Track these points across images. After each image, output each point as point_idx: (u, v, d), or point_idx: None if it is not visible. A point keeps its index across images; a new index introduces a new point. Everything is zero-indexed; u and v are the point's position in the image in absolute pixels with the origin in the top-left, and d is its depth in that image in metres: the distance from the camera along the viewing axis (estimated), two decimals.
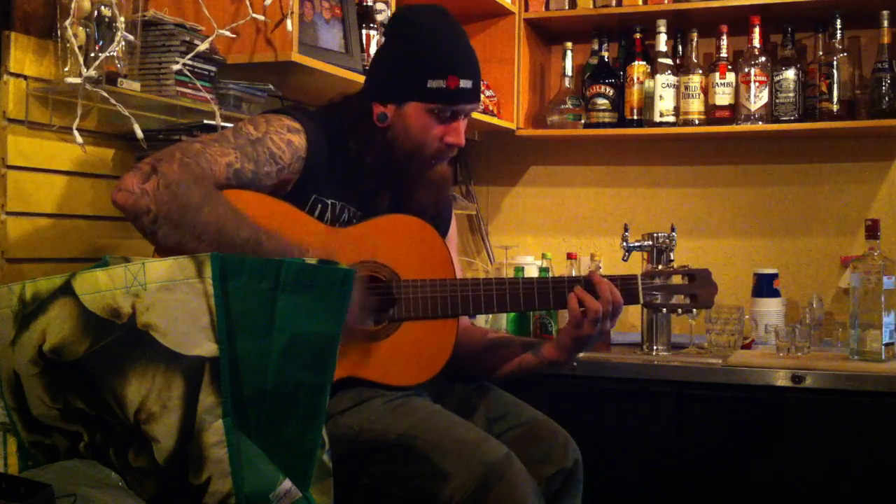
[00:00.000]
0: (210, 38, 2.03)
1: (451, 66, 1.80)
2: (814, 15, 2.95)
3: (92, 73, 1.82)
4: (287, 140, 1.71)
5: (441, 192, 1.91)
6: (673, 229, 2.70)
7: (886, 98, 2.81)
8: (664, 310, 1.99)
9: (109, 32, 1.87)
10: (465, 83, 1.80)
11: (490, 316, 2.86)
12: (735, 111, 3.00)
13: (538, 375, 2.53)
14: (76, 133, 1.85)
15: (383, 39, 1.94)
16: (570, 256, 2.98)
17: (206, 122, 2.02)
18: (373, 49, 2.45)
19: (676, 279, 1.99)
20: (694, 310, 2.03)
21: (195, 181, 1.53)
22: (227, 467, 1.22)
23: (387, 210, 1.86)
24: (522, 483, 1.64)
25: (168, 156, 1.55)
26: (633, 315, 3.18)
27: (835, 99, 2.86)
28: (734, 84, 3.00)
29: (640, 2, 3.07)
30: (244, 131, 1.69)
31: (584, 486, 1.92)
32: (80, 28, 1.83)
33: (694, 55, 3.04)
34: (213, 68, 2.07)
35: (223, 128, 1.96)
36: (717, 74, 2.99)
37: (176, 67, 1.96)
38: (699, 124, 3.02)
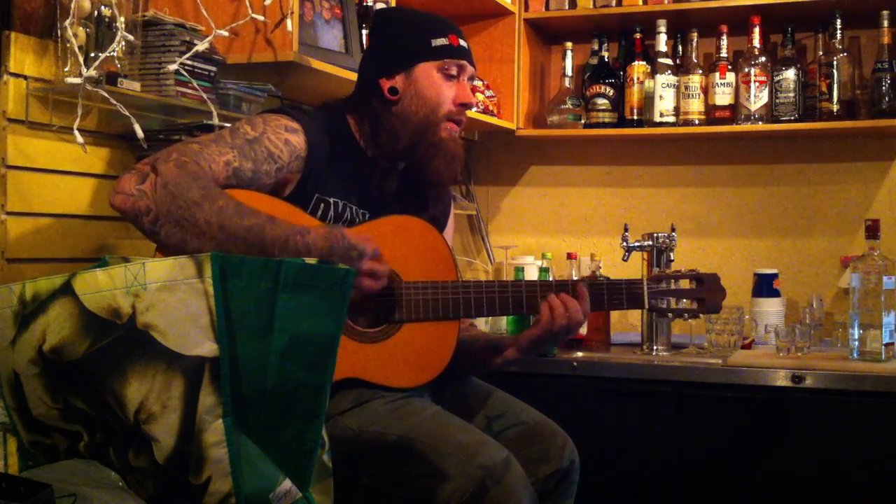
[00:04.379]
0: (209, 38, 2.03)
1: (448, 27, 1.91)
2: (814, 15, 2.95)
3: (92, 73, 1.82)
4: (284, 139, 1.71)
5: (457, 158, 1.91)
6: (673, 229, 2.71)
7: (886, 98, 2.81)
8: (670, 315, 1.98)
9: (109, 32, 1.87)
10: (463, 43, 1.91)
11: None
12: (735, 111, 3.00)
13: (538, 375, 2.54)
14: (77, 133, 1.85)
15: (371, 33, 2.00)
16: (570, 256, 2.98)
17: (205, 122, 2.02)
18: None
19: (684, 283, 1.97)
20: (700, 315, 2.01)
21: (193, 178, 1.53)
22: (227, 467, 1.22)
23: (395, 193, 1.87)
24: (519, 488, 1.64)
25: (164, 156, 1.55)
26: (633, 315, 3.18)
27: (835, 99, 2.86)
28: (734, 84, 3.00)
29: (640, 2, 3.07)
30: (241, 131, 1.69)
31: (585, 485, 1.92)
32: (80, 28, 1.83)
33: (694, 55, 3.04)
34: (213, 68, 2.07)
35: (222, 128, 1.96)
36: (717, 74, 2.99)
37: (175, 67, 1.96)
38: (699, 124, 3.02)
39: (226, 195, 1.55)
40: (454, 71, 1.88)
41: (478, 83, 3.00)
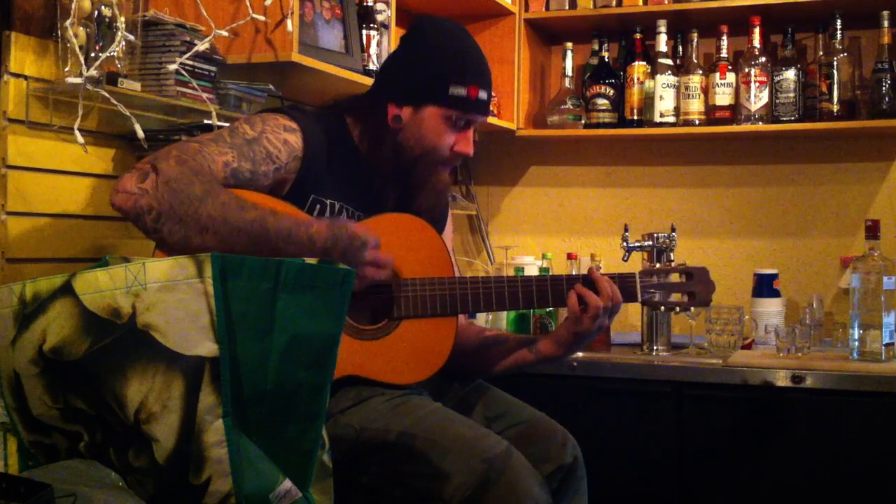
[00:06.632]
0: (209, 38, 2.03)
1: (472, 76, 1.84)
2: (814, 15, 2.95)
3: (92, 73, 1.82)
4: (283, 139, 1.71)
5: (441, 198, 1.93)
6: (673, 229, 2.71)
7: (886, 98, 2.81)
8: (662, 307, 2.00)
9: (110, 32, 1.87)
10: (483, 94, 1.85)
11: (490, 316, 2.87)
12: (735, 111, 3.00)
13: (538, 375, 2.54)
14: (77, 133, 1.85)
15: (402, 43, 1.94)
16: (570, 256, 2.98)
17: (205, 122, 2.02)
18: (373, 49, 2.46)
19: (674, 277, 1.99)
20: (692, 308, 2.03)
21: (195, 174, 1.53)
22: (227, 467, 1.22)
23: (391, 210, 1.86)
24: (524, 475, 1.63)
25: (164, 154, 1.56)
26: (633, 315, 3.18)
27: (835, 99, 2.86)
28: (734, 84, 3.00)
29: (640, 2, 3.07)
30: (240, 130, 1.69)
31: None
32: (81, 28, 1.83)
33: (694, 55, 3.05)
34: (213, 68, 2.07)
35: (221, 128, 1.96)
36: (718, 75, 2.99)
37: (175, 67, 1.96)
38: (699, 124, 3.02)
39: (227, 191, 1.56)
40: (461, 123, 1.85)
41: None
